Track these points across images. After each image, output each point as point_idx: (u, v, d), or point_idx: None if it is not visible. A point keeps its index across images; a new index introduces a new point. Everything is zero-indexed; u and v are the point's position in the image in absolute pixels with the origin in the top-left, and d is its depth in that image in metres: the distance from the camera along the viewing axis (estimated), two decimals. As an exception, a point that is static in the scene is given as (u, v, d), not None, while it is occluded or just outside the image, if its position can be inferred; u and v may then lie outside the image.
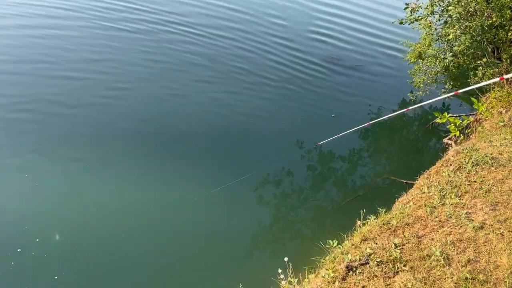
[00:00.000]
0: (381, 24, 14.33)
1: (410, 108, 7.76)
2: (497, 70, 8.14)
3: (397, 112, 7.92)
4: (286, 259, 4.46)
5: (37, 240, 6.39)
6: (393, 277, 4.01)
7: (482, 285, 3.77)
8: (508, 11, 7.35)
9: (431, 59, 8.67)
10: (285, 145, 9.03)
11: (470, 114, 8.73)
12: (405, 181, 7.51)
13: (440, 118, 8.41)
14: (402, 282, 3.90)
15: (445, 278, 3.89)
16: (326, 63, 11.91)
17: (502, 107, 7.80)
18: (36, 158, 8.01)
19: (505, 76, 6.08)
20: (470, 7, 7.54)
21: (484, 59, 8.16)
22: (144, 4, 14.56)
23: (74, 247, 6.38)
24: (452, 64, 8.48)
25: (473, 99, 8.30)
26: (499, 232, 4.35)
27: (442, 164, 6.01)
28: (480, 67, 8.17)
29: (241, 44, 12.77)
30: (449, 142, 8.29)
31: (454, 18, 7.45)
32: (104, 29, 12.85)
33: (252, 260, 6.42)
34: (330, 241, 4.92)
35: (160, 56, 11.88)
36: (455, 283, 3.81)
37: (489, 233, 4.36)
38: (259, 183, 8.11)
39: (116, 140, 8.75)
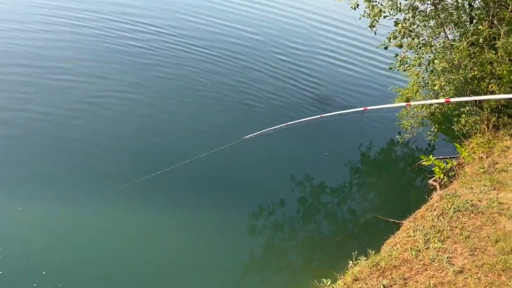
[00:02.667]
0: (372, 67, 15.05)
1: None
2: (478, 118, 8.79)
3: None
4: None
5: None
6: (382, 316, 4.47)
7: (460, 326, 4.24)
8: (489, 66, 8.02)
9: (418, 104, 9.29)
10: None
11: (453, 157, 9.32)
12: (392, 220, 8.01)
13: (426, 161, 9.00)
14: (390, 322, 4.37)
15: (427, 319, 4.36)
16: (315, 107, 12.50)
17: (483, 153, 8.41)
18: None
19: (451, 100, 6.81)
20: (455, 60, 8.22)
21: (467, 108, 8.81)
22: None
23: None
24: (437, 110, 9.13)
25: (456, 144, 8.93)
26: (476, 277, 4.86)
27: (426, 209, 6.55)
28: (463, 115, 8.82)
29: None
30: (434, 183, 8.86)
31: (440, 71, 8.11)
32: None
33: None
34: (324, 279, 5.38)
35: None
36: (437, 324, 4.28)
37: (467, 277, 4.86)
38: (249, 213, 8.52)
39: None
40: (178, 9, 17.76)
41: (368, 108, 7.99)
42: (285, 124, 8.72)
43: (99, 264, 6.99)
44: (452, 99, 7.41)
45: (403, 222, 7.17)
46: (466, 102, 9.07)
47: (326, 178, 9.78)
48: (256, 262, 7.57)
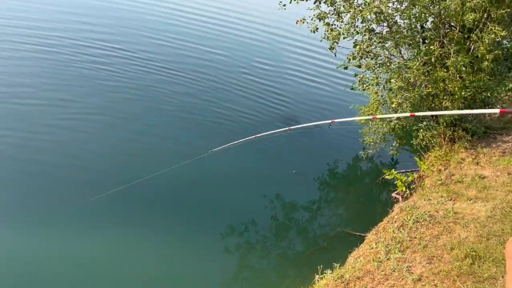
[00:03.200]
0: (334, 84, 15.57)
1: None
2: (435, 132, 9.28)
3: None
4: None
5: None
6: (346, 326, 4.72)
7: (418, 330, 4.52)
8: (441, 84, 8.52)
9: (379, 121, 9.75)
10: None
11: (415, 170, 9.77)
12: (359, 233, 8.32)
13: (389, 175, 9.42)
14: (354, 330, 4.62)
15: (389, 326, 4.63)
16: (283, 123, 12.84)
17: (441, 165, 8.88)
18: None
19: (416, 114, 7.22)
20: (410, 79, 8.70)
21: (424, 123, 9.29)
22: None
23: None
24: (397, 126, 9.59)
25: (415, 158, 9.39)
26: (433, 284, 5.17)
27: (388, 221, 6.89)
28: (421, 129, 9.29)
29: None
30: (397, 196, 9.27)
31: (396, 89, 8.58)
32: None
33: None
34: (293, 294, 5.62)
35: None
36: (397, 330, 4.55)
37: (425, 285, 5.17)
38: (221, 234, 8.67)
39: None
40: (143, 30, 18.16)
41: (335, 120, 8.46)
42: (254, 136, 9.14)
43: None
44: (416, 113, 7.77)
45: (367, 235, 7.49)
46: (424, 117, 9.57)
47: (295, 195, 10.08)
48: (229, 282, 7.72)
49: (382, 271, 5.53)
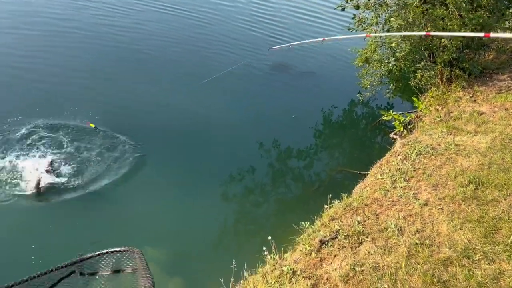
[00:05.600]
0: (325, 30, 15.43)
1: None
2: (433, 72, 9.33)
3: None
4: (269, 237, 5.25)
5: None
6: (358, 246, 4.90)
7: (428, 247, 4.72)
8: (440, 22, 8.49)
9: (377, 63, 9.75)
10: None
11: (412, 112, 9.88)
12: (358, 172, 8.47)
13: (386, 116, 9.51)
14: (366, 250, 4.80)
15: (399, 245, 4.82)
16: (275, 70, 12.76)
17: (439, 105, 8.98)
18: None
19: (431, 33, 7.32)
20: (409, 18, 8.65)
21: (422, 63, 9.33)
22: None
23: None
24: (395, 67, 9.61)
25: (413, 98, 9.48)
26: (439, 207, 5.35)
27: (391, 155, 7.04)
28: (419, 70, 9.33)
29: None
30: (395, 136, 9.37)
31: (396, 29, 8.54)
32: None
33: (239, 244, 7.22)
34: (303, 223, 5.75)
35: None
36: (407, 248, 4.74)
37: (432, 208, 5.35)
38: (221, 182, 8.60)
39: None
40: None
41: (326, 38, 9.25)
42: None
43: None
44: (432, 33, 7.49)
45: (368, 172, 7.62)
46: (421, 58, 9.60)
47: (292, 142, 10.08)
48: (229, 228, 7.69)
49: (389, 198, 5.70)
